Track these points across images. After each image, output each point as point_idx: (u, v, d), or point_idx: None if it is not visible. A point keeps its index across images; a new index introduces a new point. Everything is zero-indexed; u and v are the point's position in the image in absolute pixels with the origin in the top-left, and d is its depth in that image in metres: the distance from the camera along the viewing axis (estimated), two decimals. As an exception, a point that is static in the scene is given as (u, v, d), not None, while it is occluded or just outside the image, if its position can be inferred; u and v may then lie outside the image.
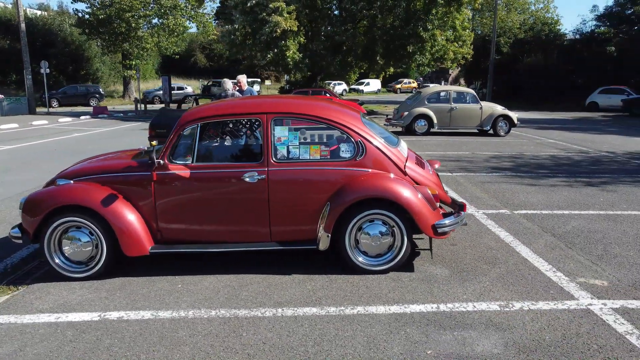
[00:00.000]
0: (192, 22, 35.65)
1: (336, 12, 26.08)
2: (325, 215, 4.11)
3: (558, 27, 39.88)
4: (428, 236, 4.22)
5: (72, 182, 4.27)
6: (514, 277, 4.21)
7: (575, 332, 3.28)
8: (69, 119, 22.33)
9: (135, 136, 15.31)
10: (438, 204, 4.36)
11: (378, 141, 4.31)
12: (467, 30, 27.15)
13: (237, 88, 9.10)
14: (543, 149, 12.57)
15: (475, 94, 16.02)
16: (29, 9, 42.84)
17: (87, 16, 31.66)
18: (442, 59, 26.62)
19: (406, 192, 4.08)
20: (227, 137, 4.96)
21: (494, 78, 31.71)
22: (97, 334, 3.29)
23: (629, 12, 32.95)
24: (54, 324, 3.44)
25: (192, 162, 4.20)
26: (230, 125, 4.85)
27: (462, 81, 52.16)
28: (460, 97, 15.58)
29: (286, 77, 35.56)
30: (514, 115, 15.51)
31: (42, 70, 24.54)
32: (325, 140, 4.83)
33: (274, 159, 4.17)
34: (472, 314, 3.54)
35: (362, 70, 31.93)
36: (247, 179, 4.12)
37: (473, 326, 3.36)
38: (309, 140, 4.83)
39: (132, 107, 29.34)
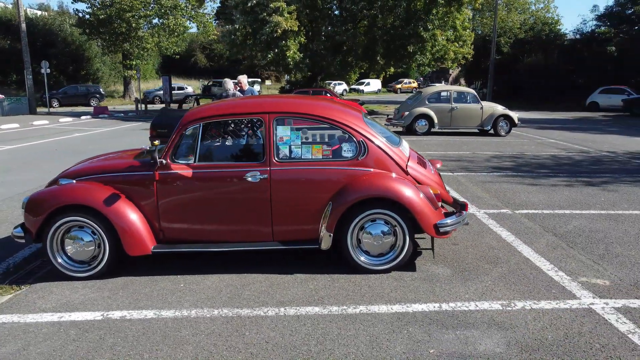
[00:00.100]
0: (193, 22, 35.68)
1: (337, 12, 26.08)
2: (327, 214, 4.11)
3: (558, 27, 39.89)
4: (430, 236, 4.23)
5: (74, 181, 4.28)
6: (516, 276, 4.21)
7: (578, 332, 3.28)
8: (69, 119, 22.34)
9: (135, 136, 15.32)
10: (440, 204, 4.37)
11: (380, 141, 4.32)
12: (468, 30, 27.17)
13: (238, 88, 9.11)
14: (544, 148, 12.57)
15: (475, 93, 16.03)
16: (30, 9, 42.92)
17: (87, 16, 31.67)
18: (442, 59, 26.64)
19: (408, 192, 4.09)
20: (229, 137, 4.97)
21: (495, 78, 31.71)
22: (100, 333, 3.30)
23: (630, 12, 32.94)
24: (57, 323, 3.44)
25: (195, 161, 4.21)
26: (233, 125, 4.86)
27: (462, 81, 52.15)
28: (461, 97, 15.59)
29: (286, 77, 35.56)
30: (515, 115, 15.52)
31: (42, 70, 24.54)
32: (327, 139, 4.84)
33: (276, 158, 4.18)
34: (474, 313, 3.55)
35: (363, 70, 31.93)
36: (249, 179, 4.13)
37: (475, 325, 3.37)
38: (310, 139, 4.84)
39: (133, 107, 29.36)
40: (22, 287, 4.07)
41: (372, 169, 4.22)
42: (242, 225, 4.25)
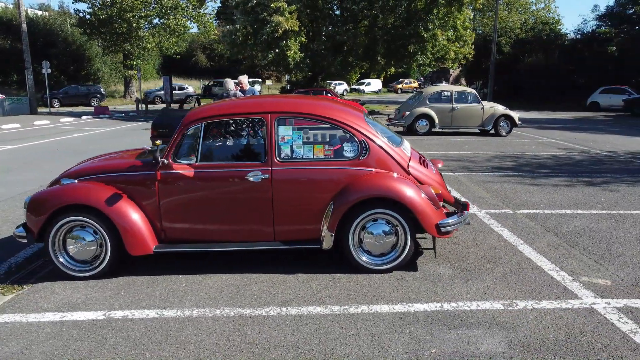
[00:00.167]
0: (193, 22, 35.69)
1: (337, 12, 26.08)
2: (328, 214, 4.12)
3: (559, 27, 39.88)
4: (431, 235, 4.23)
5: (76, 181, 4.28)
6: (518, 276, 4.21)
7: (579, 331, 3.28)
8: (70, 119, 22.36)
9: (136, 136, 15.34)
10: (441, 204, 4.37)
11: (381, 140, 4.32)
12: (468, 30, 27.15)
13: (239, 88, 9.11)
14: (545, 148, 12.57)
15: (476, 93, 16.02)
16: (30, 9, 42.94)
17: (88, 16, 31.71)
18: (443, 59, 26.63)
19: (409, 192, 4.09)
20: (231, 137, 4.97)
21: (495, 78, 31.71)
22: (103, 333, 3.31)
23: (630, 11, 32.94)
24: (59, 323, 3.45)
25: (196, 161, 4.21)
26: (234, 125, 4.86)
27: (463, 81, 52.12)
28: (462, 97, 15.59)
29: (287, 77, 35.57)
30: (516, 115, 15.51)
31: (43, 70, 24.58)
32: (328, 139, 4.84)
33: (277, 158, 4.18)
34: (476, 312, 3.55)
35: (363, 70, 31.92)
36: (251, 179, 4.13)
37: (477, 325, 3.37)
38: (312, 139, 4.84)
39: (134, 107, 29.36)
40: (24, 286, 4.08)
41: (373, 169, 4.22)
42: (243, 225, 4.25)
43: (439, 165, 5.05)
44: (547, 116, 24.53)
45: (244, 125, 4.91)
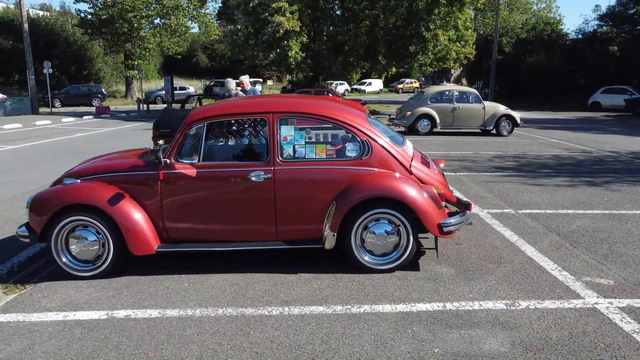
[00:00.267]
0: (194, 22, 35.69)
1: (338, 12, 26.09)
2: (331, 214, 4.12)
3: (560, 27, 39.83)
4: (434, 235, 4.23)
5: (78, 181, 4.29)
6: (520, 276, 4.21)
7: (582, 331, 3.28)
8: (71, 119, 22.39)
9: (138, 136, 15.35)
10: (443, 203, 4.37)
11: (384, 140, 4.32)
12: (470, 30, 27.15)
13: (240, 88, 9.12)
14: (546, 148, 12.56)
15: (478, 93, 16.00)
16: (32, 9, 43.05)
17: (89, 16, 31.72)
18: (444, 58, 26.64)
19: (412, 191, 4.09)
20: (233, 137, 4.97)
21: (496, 78, 31.67)
22: (105, 332, 3.31)
23: (632, 11, 32.92)
24: (62, 322, 3.45)
25: (199, 161, 4.21)
26: (236, 125, 4.86)
27: (464, 81, 52.08)
28: (463, 97, 15.57)
29: (288, 77, 35.59)
30: (517, 115, 15.50)
31: (44, 71, 24.61)
32: (330, 139, 4.84)
33: (280, 158, 4.18)
34: (479, 312, 3.55)
35: (364, 70, 31.95)
36: (253, 178, 4.13)
37: (480, 325, 3.37)
38: (313, 139, 4.84)
39: (135, 107, 29.39)
40: (27, 286, 4.08)
41: (375, 169, 4.22)
42: (246, 224, 4.25)
43: (441, 165, 5.05)
44: (548, 116, 24.51)
45: (246, 125, 4.91)
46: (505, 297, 3.80)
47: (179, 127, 4.31)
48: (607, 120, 22.88)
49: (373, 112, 24.50)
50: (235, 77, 9.78)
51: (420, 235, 4.35)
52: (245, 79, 9.45)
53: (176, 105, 23.50)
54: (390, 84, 56.18)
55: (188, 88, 37.32)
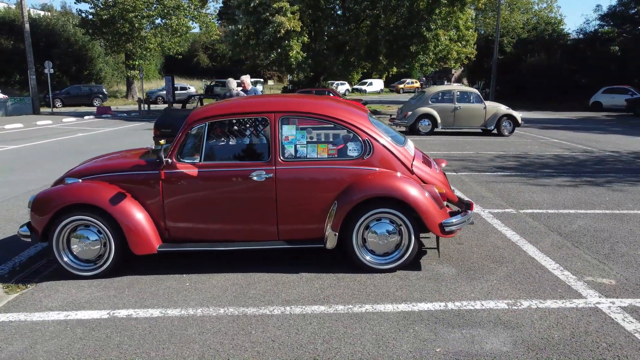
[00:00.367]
0: (195, 22, 35.71)
1: (339, 12, 26.09)
2: (332, 213, 4.12)
3: (561, 27, 39.78)
4: (435, 235, 4.22)
5: (80, 180, 4.29)
6: (522, 275, 4.21)
7: (584, 331, 3.28)
8: (72, 119, 22.41)
9: (139, 136, 15.36)
10: (445, 203, 4.36)
11: (385, 140, 4.31)
12: (471, 30, 27.12)
13: (241, 88, 9.12)
14: (547, 148, 12.55)
15: (479, 93, 16.00)
16: (33, 9, 43.09)
17: (90, 16, 31.77)
18: (445, 58, 26.61)
19: (413, 191, 4.09)
20: (235, 136, 4.98)
21: (497, 78, 31.63)
22: (107, 332, 3.31)
23: (633, 11, 32.90)
24: (64, 322, 3.45)
25: (200, 161, 4.21)
26: (238, 125, 4.86)
27: (464, 81, 52.04)
28: (464, 97, 15.57)
29: (289, 77, 35.60)
30: (518, 115, 15.49)
31: (46, 71, 24.63)
32: (332, 139, 4.84)
33: (281, 157, 4.18)
34: (480, 312, 3.54)
35: (365, 70, 31.93)
36: (255, 178, 4.13)
37: (481, 324, 3.36)
38: (315, 139, 4.84)
39: (136, 107, 29.39)
40: (28, 285, 4.08)
41: (377, 168, 4.22)
42: (247, 224, 4.25)
43: (443, 165, 5.04)
44: (549, 116, 24.49)
45: (248, 125, 4.90)
46: (507, 296, 3.80)
47: (179, 127, 4.31)
48: (609, 120, 22.86)
49: (374, 112, 24.49)
50: (236, 77, 9.77)
51: (421, 235, 4.35)
52: (247, 78, 9.45)
53: (177, 105, 23.53)
54: (391, 84, 56.17)
55: (189, 88, 37.34)
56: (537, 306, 3.63)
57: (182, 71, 49.04)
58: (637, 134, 16.50)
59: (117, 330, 3.33)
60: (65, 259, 4.18)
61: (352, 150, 4.28)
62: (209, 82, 42.52)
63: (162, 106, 30.85)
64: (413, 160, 4.39)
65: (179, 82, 39.02)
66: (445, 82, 49.84)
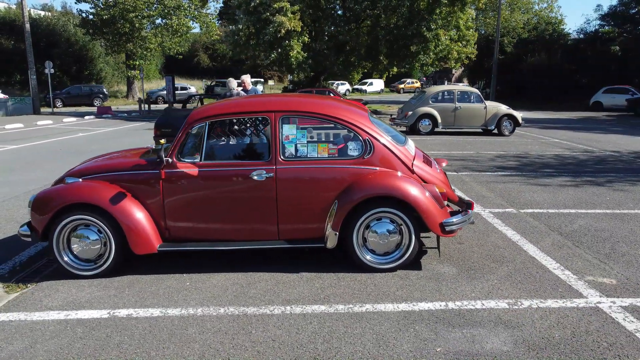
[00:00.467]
0: (196, 22, 35.71)
1: (340, 12, 26.10)
2: (333, 213, 4.11)
3: (562, 27, 39.77)
4: (436, 234, 4.22)
5: (80, 180, 4.29)
6: (522, 275, 4.20)
7: (585, 330, 3.27)
8: (73, 119, 22.42)
9: (139, 136, 15.36)
10: (446, 203, 4.36)
11: (386, 139, 4.31)
12: (471, 30, 27.12)
13: (242, 88, 9.12)
14: (548, 148, 12.54)
15: (479, 93, 15.99)
16: (33, 9, 43.07)
17: (90, 16, 31.77)
18: (445, 58, 26.60)
19: (414, 191, 4.08)
20: (235, 136, 4.97)
21: (498, 78, 31.61)
22: (107, 331, 3.31)
23: (633, 11, 32.89)
24: (64, 321, 3.45)
25: (201, 160, 4.21)
26: (238, 124, 4.86)
27: (465, 81, 52.03)
28: (465, 97, 15.56)
29: (289, 77, 35.59)
30: (519, 114, 15.48)
31: (46, 71, 24.65)
32: (332, 138, 4.83)
33: (282, 157, 4.18)
34: (481, 311, 3.54)
35: (366, 70, 31.93)
36: (255, 177, 4.13)
37: (482, 324, 3.36)
38: (315, 138, 4.83)
39: (136, 107, 29.40)
40: (29, 285, 4.08)
41: (377, 168, 4.22)
42: (247, 223, 4.25)
43: (443, 164, 5.04)
44: (550, 116, 24.48)
45: (248, 124, 4.90)
46: (508, 296, 3.80)
47: (180, 126, 4.31)
48: (609, 120, 22.84)
49: (374, 112, 24.49)
50: (237, 77, 9.79)
51: (422, 234, 4.35)
52: (247, 78, 9.46)
53: (177, 105, 23.53)
54: (391, 84, 56.17)
55: (189, 88, 37.35)
56: (537, 306, 3.63)
57: (183, 71, 49.06)
58: (638, 133, 16.49)
59: (118, 330, 3.32)
60: (66, 258, 4.18)
61: (353, 149, 4.28)
62: (209, 82, 42.53)
63: (162, 106, 30.85)
64: (413, 160, 4.39)
65: (179, 82, 39.03)
66: (446, 82, 49.87)
